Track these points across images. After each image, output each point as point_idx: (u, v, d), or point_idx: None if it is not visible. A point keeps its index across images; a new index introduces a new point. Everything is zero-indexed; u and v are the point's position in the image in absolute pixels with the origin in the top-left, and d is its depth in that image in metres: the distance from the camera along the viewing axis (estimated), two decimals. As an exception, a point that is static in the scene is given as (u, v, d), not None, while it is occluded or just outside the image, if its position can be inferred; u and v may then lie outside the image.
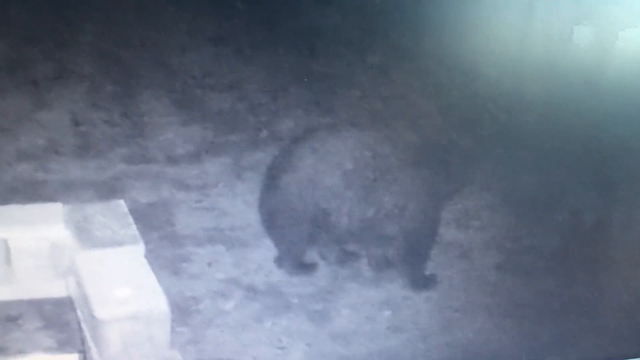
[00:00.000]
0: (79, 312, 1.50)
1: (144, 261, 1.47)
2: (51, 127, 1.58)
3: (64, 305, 1.60)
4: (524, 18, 1.91)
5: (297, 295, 1.93)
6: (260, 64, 1.70)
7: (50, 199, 1.65)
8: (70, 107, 1.59)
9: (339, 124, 1.88)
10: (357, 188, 1.90)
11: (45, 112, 1.57)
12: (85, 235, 1.51)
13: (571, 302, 2.15)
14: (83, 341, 1.49)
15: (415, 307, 1.98)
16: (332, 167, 1.89)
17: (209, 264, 1.90)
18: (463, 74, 1.90)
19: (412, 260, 2.03)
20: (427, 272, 2.06)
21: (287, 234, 1.98)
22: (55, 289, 1.57)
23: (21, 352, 1.62)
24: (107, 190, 1.72)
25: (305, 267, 2.08)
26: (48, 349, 1.63)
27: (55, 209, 1.56)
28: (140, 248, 1.51)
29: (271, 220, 2.04)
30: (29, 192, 1.64)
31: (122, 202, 1.61)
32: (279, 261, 2.09)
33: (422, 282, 2.03)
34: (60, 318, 1.68)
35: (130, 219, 1.56)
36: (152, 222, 1.79)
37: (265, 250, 1.96)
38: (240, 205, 1.84)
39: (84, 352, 1.51)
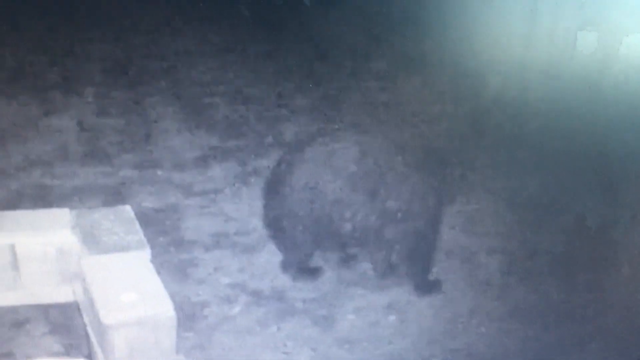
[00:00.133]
0: (85, 317, 1.50)
1: (150, 266, 1.47)
2: (59, 134, 1.60)
3: (71, 310, 1.61)
4: (528, 25, 1.91)
5: (302, 300, 1.93)
6: (265, 72, 1.71)
7: (58, 204, 1.66)
8: (78, 114, 1.61)
9: (343, 130, 1.89)
10: (361, 193, 1.90)
11: (53, 118, 1.59)
12: (91, 240, 1.51)
13: (575, 306, 2.15)
14: (89, 346, 1.49)
15: (419, 311, 1.99)
16: (337, 173, 1.90)
17: (215, 269, 1.91)
18: (467, 80, 1.90)
19: (416, 264, 2.03)
20: (432, 277, 2.06)
21: (292, 238, 1.98)
22: (61, 294, 1.57)
23: (28, 357, 1.63)
24: (114, 196, 1.73)
25: (310, 272, 2.09)
26: (55, 354, 1.63)
27: (62, 215, 1.57)
28: (146, 253, 1.51)
29: (276, 225, 2.04)
30: (36, 197, 1.66)
31: (128, 207, 1.62)
32: (284, 266, 2.09)
33: (426, 286, 2.03)
34: (67, 323, 1.69)
35: (137, 225, 1.57)
36: (158, 228, 1.80)
37: (271, 255, 1.96)
38: (246, 211, 1.85)
39: (90, 357, 1.51)
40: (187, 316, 1.81)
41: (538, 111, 2.01)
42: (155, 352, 1.35)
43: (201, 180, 1.75)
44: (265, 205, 1.92)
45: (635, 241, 2.25)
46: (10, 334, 1.66)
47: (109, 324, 1.30)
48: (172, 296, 1.32)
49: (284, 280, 1.96)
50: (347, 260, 2.10)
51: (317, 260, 2.00)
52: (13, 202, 1.65)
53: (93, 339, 1.43)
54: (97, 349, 1.40)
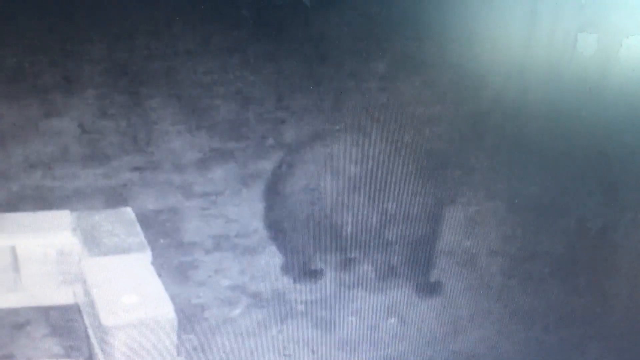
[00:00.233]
0: (86, 319, 1.50)
1: (151, 268, 1.48)
2: (59, 135, 1.60)
3: (71, 312, 1.61)
4: (528, 26, 1.92)
5: (303, 302, 1.93)
6: (266, 73, 1.71)
7: (58, 206, 1.66)
8: (78, 116, 1.61)
9: (344, 132, 1.89)
10: (362, 195, 1.91)
11: (54, 120, 1.59)
12: (92, 242, 1.51)
13: (576, 308, 2.15)
14: (90, 348, 1.50)
15: (420, 313, 1.99)
16: (337, 174, 1.90)
17: (216, 271, 1.91)
18: (467, 82, 1.91)
19: (416, 266, 2.03)
20: (432, 279, 2.06)
21: (292, 240, 1.98)
22: (62, 296, 1.57)
23: (28, 358, 1.63)
24: (115, 198, 1.73)
25: (310, 274, 2.09)
26: (55, 356, 1.63)
27: (63, 217, 1.57)
28: (147, 255, 1.51)
29: (277, 227, 2.04)
30: (37, 199, 1.65)
31: (129, 209, 1.62)
32: (285, 268, 2.09)
33: (427, 288, 2.03)
34: (68, 325, 1.69)
35: (137, 227, 1.57)
36: (158, 230, 1.80)
37: (271, 257, 1.96)
38: (246, 213, 1.85)
39: (90, 359, 1.52)
40: (188, 318, 1.81)
41: (538, 112, 2.01)
42: (155, 354, 1.35)
43: (202, 182, 1.75)
44: (265, 207, 1.92)
45: (637, 243, 2.25)
46: (10, 335, 1.66)
47: (109, 326, 1.30)
48: (173, 298, 1.32)
49: (284, 283, 1.96)
50: (347, 263, 2.10)
51: (317, 263, 2.01)
52: (13, 204, 1.65)
53: (94, 340, 1.43)
54: (97, 350, 1.40)
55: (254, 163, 1.82)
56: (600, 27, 1.99)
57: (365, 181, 1.93)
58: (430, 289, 2.04)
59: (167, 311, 1.32)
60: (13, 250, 1.50)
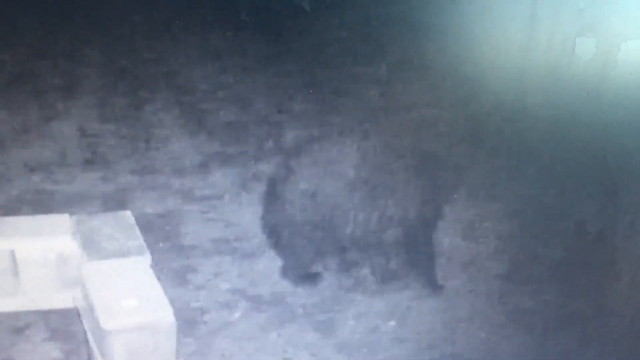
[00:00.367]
0: (85, 323, 1.50)
1: (150, 272, 1.47)
2: (59, 139, 1.60)
3: (71, 316, 1.61)
4: (527, 30, 1.92)
5: (302, 306, 1.93)
6: (265, 76, 1.71)
7: (58, 210, 1.66)
8: (78, 119, 1.61)
9: (344, 135, 1.89)
10: (361, 198, 1.91)
11: (54, 124, 1.59)
12: (92, 246, 1.51)
13: (576, 311, 2.15)
14: (89, 352, 1.49)
15: (420, 317, 1.99)
16: (337, 178, 1.90)
17: (215, 275, 1.90)
18: (467, 86, 1.91)
19: (416, 269, 2.03)
20: (432, 282, 2.06)
21: (292, 244, 1.98)
22: (61, 300, 1.57)
23: (28, 363, 1.63)
24: (114, 201, 1.73)
25: (310, 278, 2.09)
26: (54, 360, 1.63)
27: (62, 220, 1.56)
28: (146, 259, 1.51)
29: (276, 231, 2.04)
30: (37, 203, 1.65)
31: (128, 213, 1.62)
32: (284, 271, 2.09)
33: (426, 291, 2.03)
34: (67, 329, 1.68)
35: (137, 230, 1.56)
36: (158, 233, 1.79)
37: (271, 261, 1.96)
38: (246, 216, 1.85)
39: (90, 363, 1.51)
40: (187, 322, 1.81)
41: (537, 116, 2.01)
42: (155, 358, 1.35)
43: (201, 185, 1.75)
44: (265, 210, 1.92)
45: (636, 246, 2.25)
46: (9, 340, 1.65)
47: (108, 330, 1.30)
48: (172, 302, 1.32)
49: (284, 286, 1.96)
50: (347, 266, 2.10)
51: (317, 266, 2.00)
52: (13, 208, 1.65)
53: (93, 344, 1.42)
54: (97, 354, 1.39)
55: (253, 167, 1.82)
56: (598, 31, 2.00)
57: (365, 185, 1.94)
58: (429, 292, 2.04)
59: (166, 315, 1.32)
60: (12, 254, 1.50)
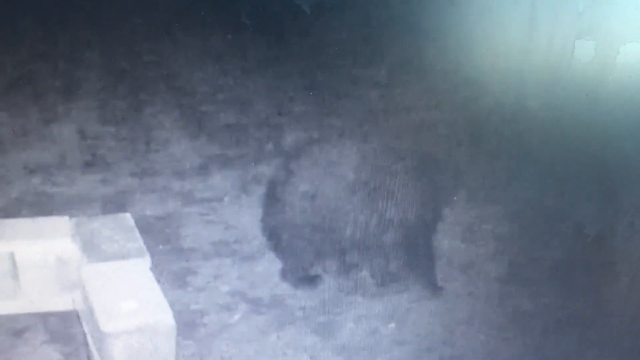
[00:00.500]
0: (84, 326, 1.50)
1: (150, 274, 1.47)
2: (59, 141, 1.60)
3: (70, 318, 1.61)
4: (527, 33, 1.93)
5: (302, 308, 1.93)
6: (265, 79, 1.72)
7: (57, 212, 1.66)
8: (78, 122, 1.61)
9: (343, 137, 1.90)
10: (361, 200, 1.91)
11: (54, 126, 1.59)
12: (91, 248, 1.51)
13: (575, 313, 2.15)
14: (89, 354, 1.49)
15: (419, 319, 1.99)
16: (337, 180, 1.91)
17: (215, 277, 1.91)
18: (466, 88, 1.91)
19: (415, 272, 2.03)
20: (431, 284, 2.06)
21: (291, 246, 1.98)
22: (61, 303, 1.57)
23: (27, 365, 1.63)
24: (114, 204, 1.73)
25: (309, 280, 2.09)
26: (54, 362, 1.63)
27: (62, 223, 1.56)
28: (146, 261, 1.51)
29: (276, 233, 2.04)
30: (36, 205, 1.65)
31: (128, 215, 1.62)
32: (284, 274, 2.09)
33: (425, 294, 2.04)
34: (66, 331, 1.68)
35: (137, 233, 1.57)
36: (158, 236, 1.80)
37: (270, 263, 1.96)
38: (246, 219, 1.85)
39: (89, 366, 1.51)
40: (187, 324, 1.81)
41: (536, 118, 2.02)
42: (155, 360, 1.35)
43: (201, 188, 1.75)
44: (265, 213, 1.93)
45: (635, 248, 2.25)
46: (9, 342, 1.65)
47: (108, 332, 1.30)
48: (172, 304, 1.32)
49: (283, 289, 1.96)
50: (346, 268, 2.10)
51: (316, 268, 2.01)
52: (12, 210, 1.65)
53: (92, 347, 1.42)
54: (96, 357, 1.39)
55: (253, 169, 1.82)
56: (597, 34, 2.01)
57: (365, 187, 1.94)
58: (428, 294, 2.04)
59: (166, 317, 1.32)
60: (12, 256, 1.50)
